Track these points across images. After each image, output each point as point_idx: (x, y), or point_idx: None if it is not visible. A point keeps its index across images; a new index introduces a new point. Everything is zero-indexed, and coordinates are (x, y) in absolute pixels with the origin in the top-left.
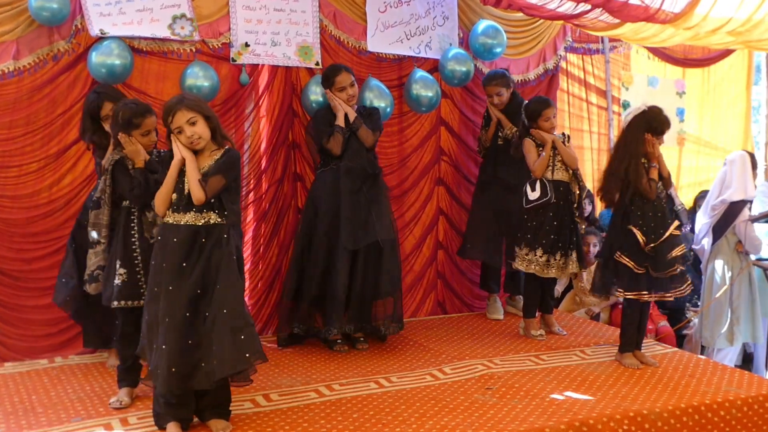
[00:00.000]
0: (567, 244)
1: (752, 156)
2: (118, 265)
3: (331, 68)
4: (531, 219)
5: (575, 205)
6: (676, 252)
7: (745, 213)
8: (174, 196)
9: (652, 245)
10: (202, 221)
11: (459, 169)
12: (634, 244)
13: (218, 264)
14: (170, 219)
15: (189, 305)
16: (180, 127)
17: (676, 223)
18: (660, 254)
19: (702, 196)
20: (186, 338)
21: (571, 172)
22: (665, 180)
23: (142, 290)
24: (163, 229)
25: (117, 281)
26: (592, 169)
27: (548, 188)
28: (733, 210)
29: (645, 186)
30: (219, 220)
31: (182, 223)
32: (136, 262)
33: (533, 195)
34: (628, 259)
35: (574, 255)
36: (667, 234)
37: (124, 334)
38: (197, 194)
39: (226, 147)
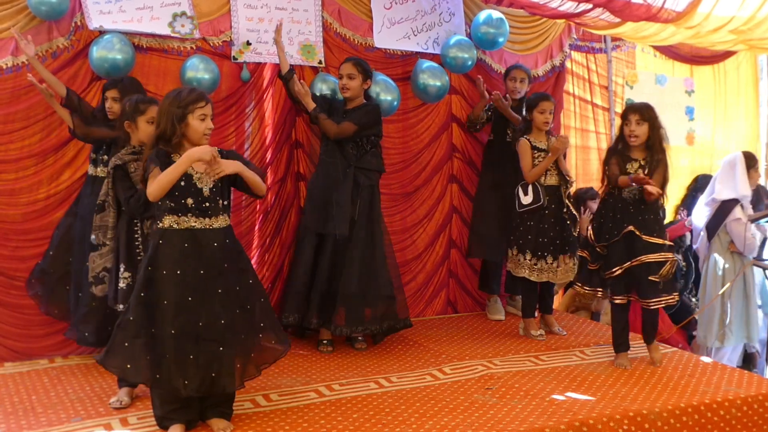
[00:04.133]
0: (562, 248)
1: (749, 156)
2: (122, 269)
3: (346, 58)
4: (524, 223)
5: (565, 209)
6: (652, 258)
7: (736, 212)
8: (190, 201)
9: (603, 244)
10: (227, 223)
11: (473, 166)
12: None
13: (241, 259)
14: (198, 224)
15: (236, 302)
16: (206, 115)
17: (630, 228)
18: (612, 254)
19: (698, 179)
20: (240, 333)
21: (559, 176)
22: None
23: None
24: (185, 236)
25: (122, 284)
26: (594, 169)
27: (541, 193)
28: (724, 208)
29: (612, 176)
30: (229, 221)
31: (215, 226)
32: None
33: (526, 199)
34: (585, 252)
35: (569, 260)
36: (618, 238)
37: None
38: (263, 189)
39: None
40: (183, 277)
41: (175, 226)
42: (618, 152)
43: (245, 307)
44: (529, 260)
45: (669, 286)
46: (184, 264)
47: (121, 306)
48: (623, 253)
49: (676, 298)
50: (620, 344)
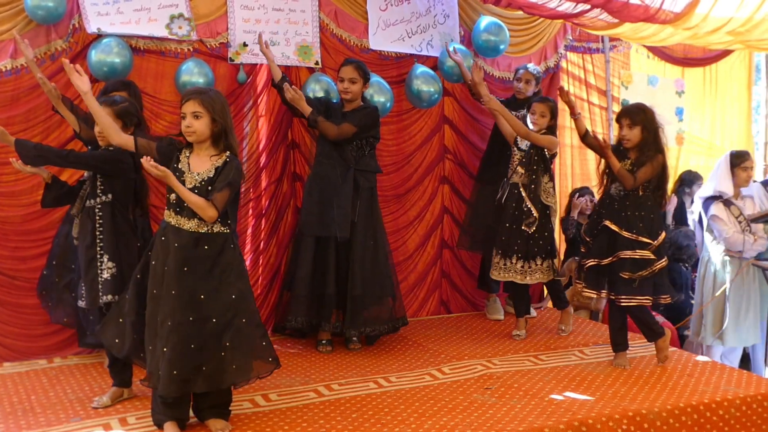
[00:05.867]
0: (529, 249)
1: (736, 155)
2: (106, 260)
3: (345, 59)
4: (501, 221)
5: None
6: (627, 255)
7: (712, 209)
8: (173, 196)
9: (587, 239)
10: (205, 229)
11: (464, 167)
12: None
13: (225, 271)
14: (172, 220)
15: (192, 310)
16: (184, 113)
17: (606, 223)
18: (592, 247)
19: (683, 176)
20: (189, 342)
21: (527, 176)
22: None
23: (82, 291)
24: (166, 230)
25: (106, 275)
26: (591, 169)
27: (505, 190)
28: (706, 206)
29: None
30: (223, 228)
31: (184, 228)
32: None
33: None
34: (584, 248)
35: (540, 262)
36: (598, 232)
37: None
38: (208, 213)
39: (227, 154)
40: (154, 270)
41: (164, 218)
42: (617, 149)
43: (206, 318)
44: (497, 260)
45: (646, 287)
46: (156, 257)
47: (105, 297)
48: (603, 248)
49: (650, 300)
50: (618, 344)
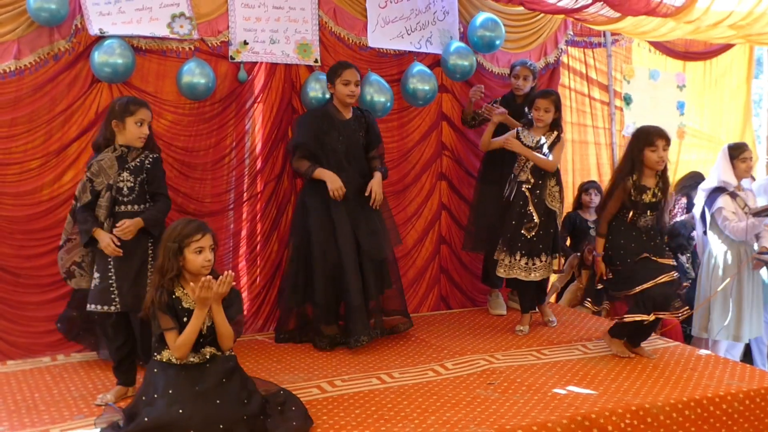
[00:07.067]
0: (533, 247)
1: (733, 147)
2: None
3: (340, 62)
4: (506, 219)
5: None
6: (664, 279)
7: (719, 201)
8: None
9: (617, 268)
10: (211, 352)
11: (461, 163)
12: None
13: (246, 381)
14: (194, 358)
15: (242, 408)
16: (203, 247)
17: (645, 255)
18: (634, 275)
19: (690, 176)
20: (252, 427)
21: (533, 174)
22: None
23: (113, 296)
24: (185, 366)
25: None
26: (591, 164)
27: (512, 188)
28: (710, 198)
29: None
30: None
31: (207, 354)
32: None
33: (506, 192)
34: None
35: (544, 259)
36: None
37: (104, 335)
38: (229, 344)
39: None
40: (175, 395)
41: (173, 360)
42: (631, 181)
43: (258, 408)
44: (502, 257)
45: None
46: (177, 385)
47: (91, 306)
48: (644, 275)
49: (652, 318)
50: (621, 333)
